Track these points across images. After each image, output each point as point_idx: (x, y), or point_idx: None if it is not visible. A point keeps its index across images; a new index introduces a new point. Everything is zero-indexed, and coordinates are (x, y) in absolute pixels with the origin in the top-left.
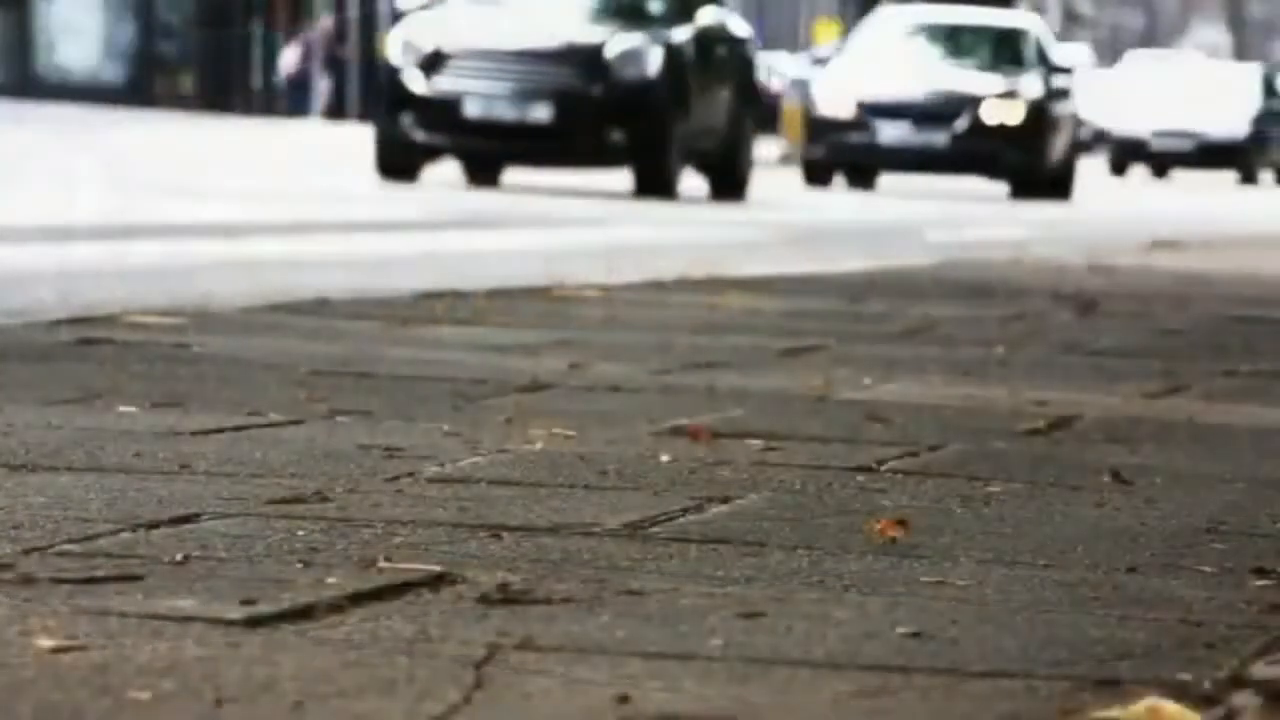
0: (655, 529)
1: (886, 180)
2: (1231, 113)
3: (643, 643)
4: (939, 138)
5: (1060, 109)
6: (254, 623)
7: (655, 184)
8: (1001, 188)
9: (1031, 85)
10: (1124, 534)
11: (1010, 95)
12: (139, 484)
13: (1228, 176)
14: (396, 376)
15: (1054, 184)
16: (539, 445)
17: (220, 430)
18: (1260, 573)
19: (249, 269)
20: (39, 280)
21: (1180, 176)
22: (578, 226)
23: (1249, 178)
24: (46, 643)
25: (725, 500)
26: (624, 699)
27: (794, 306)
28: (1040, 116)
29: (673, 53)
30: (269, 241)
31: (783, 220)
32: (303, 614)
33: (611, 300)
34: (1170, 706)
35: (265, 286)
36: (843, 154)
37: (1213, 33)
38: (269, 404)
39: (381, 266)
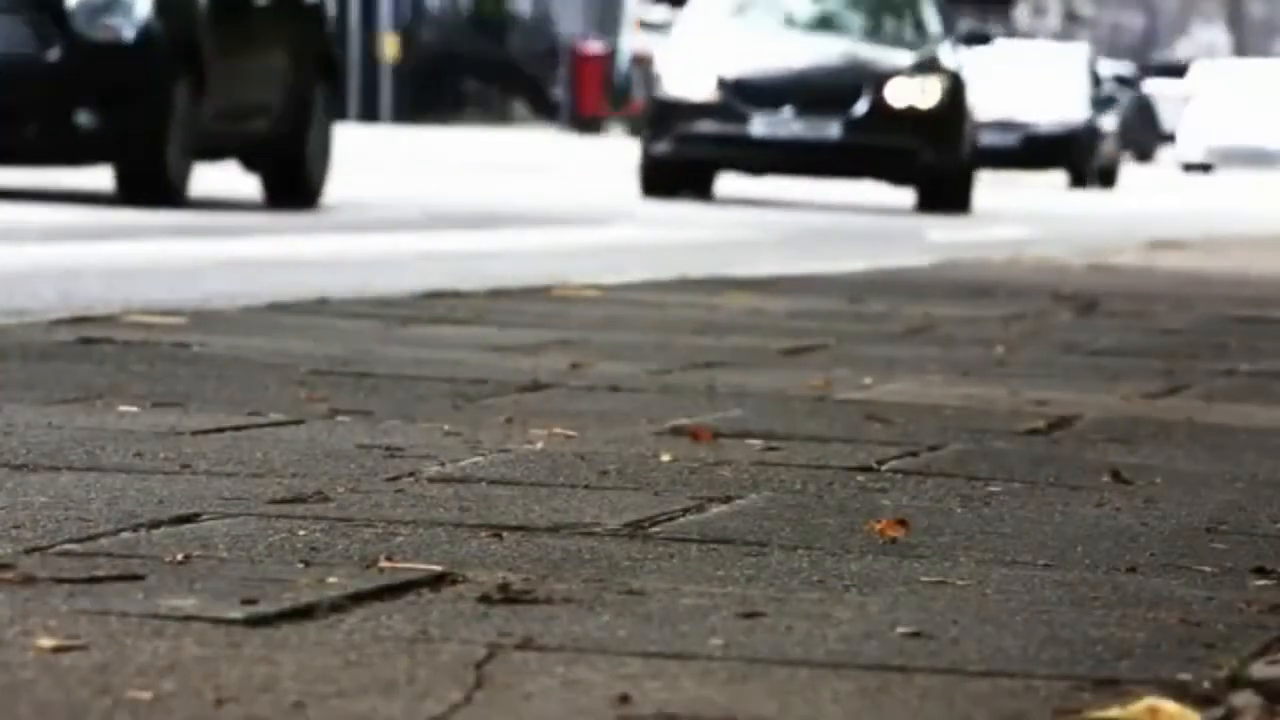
0: (655, 529)
1: (728, 185)
2: (1062, 101)
3: (643, 643)
4: (831, 128)
5: (971, 93)
6: (254, 623)
7: (147, 183)
8: (901, 195)
9: (948, 58)
10: (1124, 534)
11: (923, 71)
12: (139, 484)
13: (1056, 179)
14: (396, 376)
15: (962, 191)
16: (539, 445)
17: (220, 430)
18: (1260, 573)
19: (249, 269)
20: (39, 280)
21: (997, 178)
22: (579, 226)
23: (1080, 179)
24: (46, 643)
25: (725, 500)
26: (624, 699)
27: (794, 306)
28: (958, 100)
29: (172, 2)
30: (269, 241)
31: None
32: (303, 614)
33: (611, 300)
34: (1170, 706)
35: (265, 286)
36: (699, 150)
37: (1213, 32)
38: (269, 404)
39: (381, 266)
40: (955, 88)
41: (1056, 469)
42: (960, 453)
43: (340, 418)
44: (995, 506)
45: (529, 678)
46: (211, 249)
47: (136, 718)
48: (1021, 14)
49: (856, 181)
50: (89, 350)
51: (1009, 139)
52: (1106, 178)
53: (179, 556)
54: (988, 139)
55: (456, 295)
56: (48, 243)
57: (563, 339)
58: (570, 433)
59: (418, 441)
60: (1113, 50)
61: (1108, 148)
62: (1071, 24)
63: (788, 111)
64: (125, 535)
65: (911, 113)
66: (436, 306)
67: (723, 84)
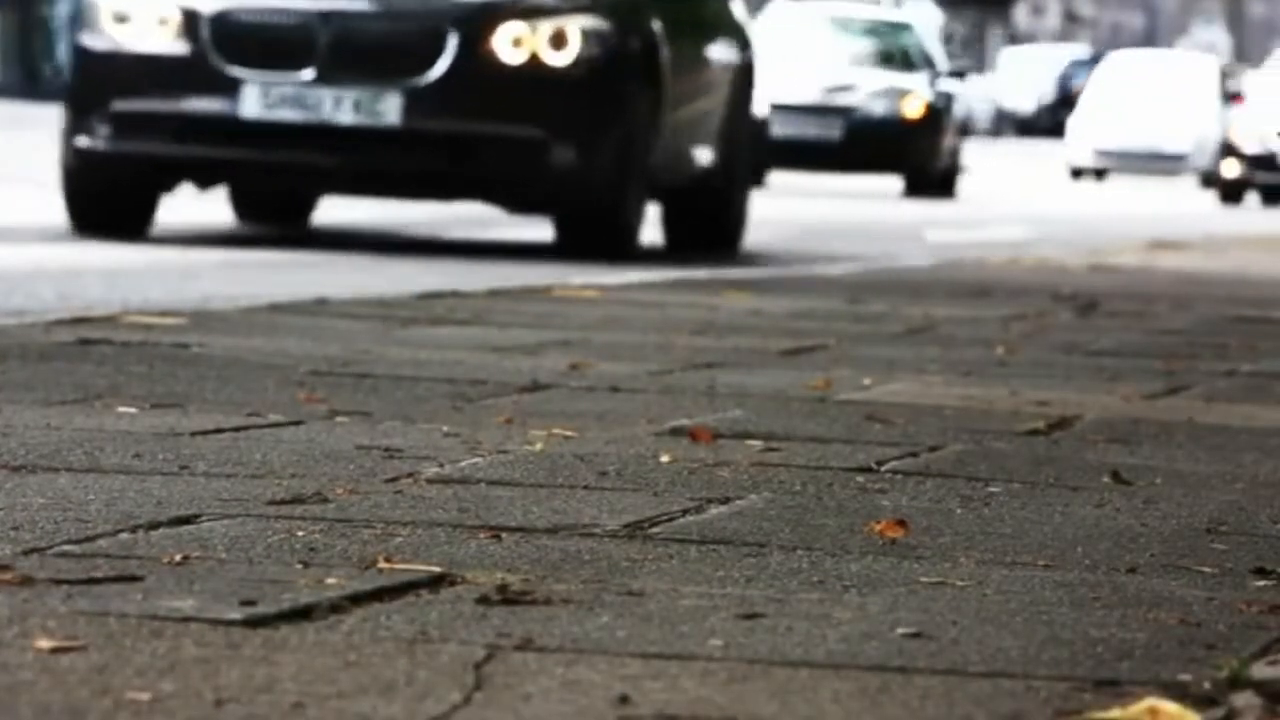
0: (655, 529)
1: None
2: (899, 81)
3: (643, 643)
4: (386, 106)
5: (720, 55)
6: (254, 623)
7: None
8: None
9: None
10: (1124, 534)
11: (558, 8)
12: (138, 485)
13: (885, 185)
14: (396, 377)
15: (717, 221)
16: (539, 445)
17: (220, 430)
18: (1260, 573)
19: (249, 269)
20: (39, 280)
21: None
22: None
23: (919, 183)
24: (46, 643)
25: (725, 501)
26: (624, 699)
27: (794, 306)
28: (625, 61)
29: None
30: (269, 242)
31: None
32: (303, 614)
33: (611, 300)
34: (1170, 706)
35: (265, 287)
36: (152, 145)
37: (1213, 33)
38: (269, 404)
39: (381, 267)
40: (624, 39)
41: (1056, 469)
42: (960, 453)
43: (339, 419)
44: (995, 507)
45: (528, 678)
46: (212, 249)
47: (136, 718)
48: (1021, 14)
49: (438, 203)
50: (88, 351)
51: (828, 130)
52: (945, 183)
53: (178, 557)
54: (795, 129)
55: (456, 295)
56: (48, 243)
57: (562, 339)
58: (570, 433)
59: (417, 442)
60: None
61: (949, 146)
62: (1071, 24)
63: (308, 74)
64: (124, 536)
65: (537, 77)
66: (436, 307)
67: (191, 23)
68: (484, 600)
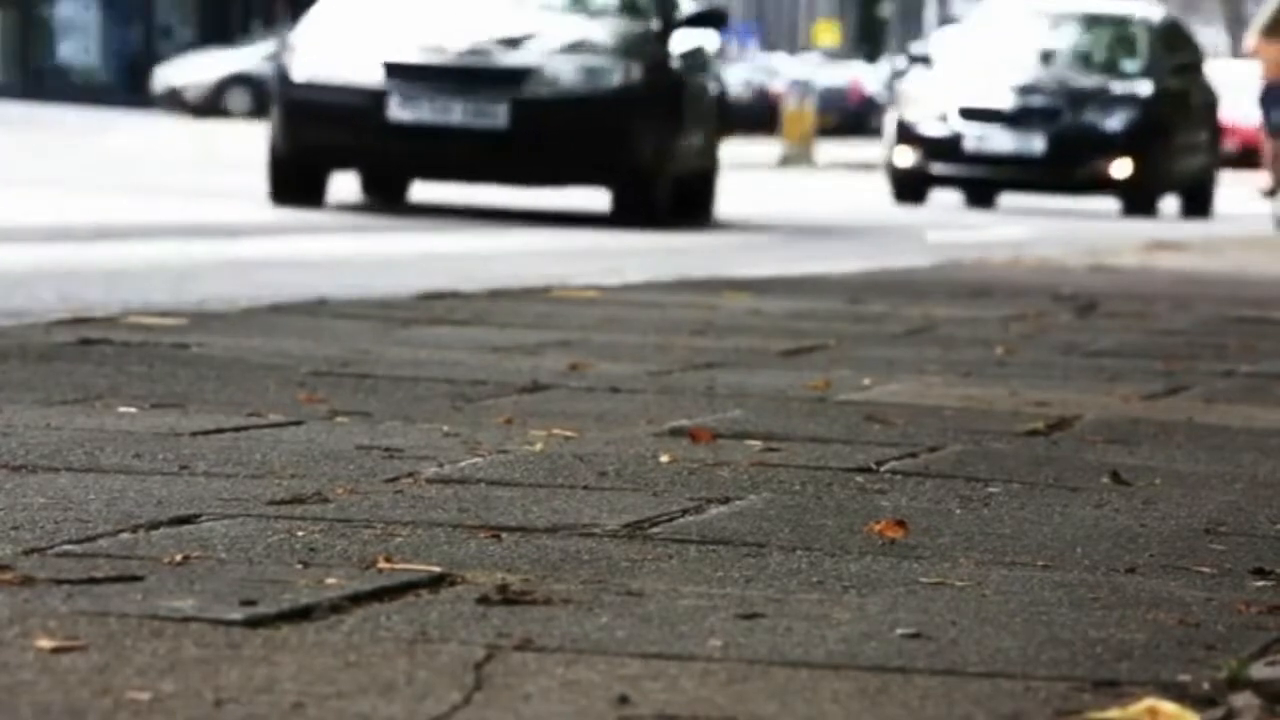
0: (655, 529)
1: None
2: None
3: (643, 643)
4: None
5: None
6: (254, 623)
7: None
8: None
9: None
10: (1123, 535)
11: None
12: (138, 485)
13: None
14: (396, 377)
15: None
16: (539, 446)
17: (220, 430)
18: (1259, 573)
19: (249, 269)
20: (39, 280)
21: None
22: (580, 226)
23: (640, 197)
24: (46, 643)
25: (725, 501)
26: (624, 699)
27: (794, 307)
28: None
29: None
30: (269, 242)
31: None
32: (303, 614)
33: (611, 301)
34: (1170, 707)
35: (265, 287)
36: None
37: (1212, 33)
38: (269, 404)
39: (381, 266)
40: None
41: (1056, 470)
42: (959, 454)
43: (339, 419)
44: (994, 507)
45: (528, 678)
46: (211, 249)
47: (136, 718)
48: None
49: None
50: (88, 351)
51: (485, 115)
52: (697, 199)
53: (178, 557)
54: (432, 114)
55: (456, 296)
56: (48, 243)
57: (562, 340)
58: (569, 433)
59: (417, 442)
60: None
61: (694, 140)
62: None
63: None
64: (124, 536)
65: None
66: (436, 307)
67: None
68: (484, 600)
